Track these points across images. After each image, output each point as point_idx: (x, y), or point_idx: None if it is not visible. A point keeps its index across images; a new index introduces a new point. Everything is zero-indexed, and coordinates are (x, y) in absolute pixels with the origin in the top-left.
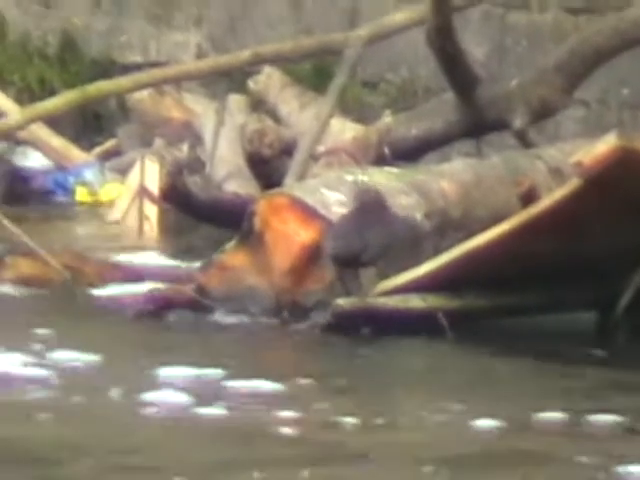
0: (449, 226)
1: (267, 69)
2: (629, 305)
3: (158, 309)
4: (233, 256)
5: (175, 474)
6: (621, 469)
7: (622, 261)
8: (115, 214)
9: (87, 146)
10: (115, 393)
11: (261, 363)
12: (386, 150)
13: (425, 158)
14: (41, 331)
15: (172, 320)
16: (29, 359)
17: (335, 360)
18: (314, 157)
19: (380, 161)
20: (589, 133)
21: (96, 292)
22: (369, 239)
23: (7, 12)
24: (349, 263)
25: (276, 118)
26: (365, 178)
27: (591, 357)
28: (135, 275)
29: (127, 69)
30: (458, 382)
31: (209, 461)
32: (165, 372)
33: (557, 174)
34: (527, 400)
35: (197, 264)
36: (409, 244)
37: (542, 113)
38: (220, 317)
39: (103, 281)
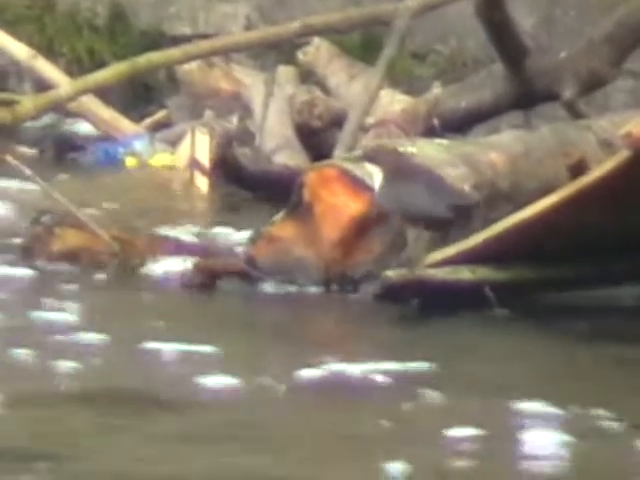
0: (498, 198)
1: (316, 40)
2: None
3: (207, 281)
4: (282, 228)
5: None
6: None
7: None
8: (162, 185)
9: (136, 117)
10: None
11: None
12: (435, 122)
13: (474, 130)
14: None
15: (221, 292)
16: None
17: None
18: (363, 129)
19: (429, 133)
20: (638, 104)
21: (146, 264)
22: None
23: None
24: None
25: (325, 89)
26: (414, 150)
27: None
28: (184, 248)
29: (176, 41)
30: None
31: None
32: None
33: (606, 146)
34: None
35: (246, 236)
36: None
37: (591, 84)
38: (269, 288)
39: (153, 254)
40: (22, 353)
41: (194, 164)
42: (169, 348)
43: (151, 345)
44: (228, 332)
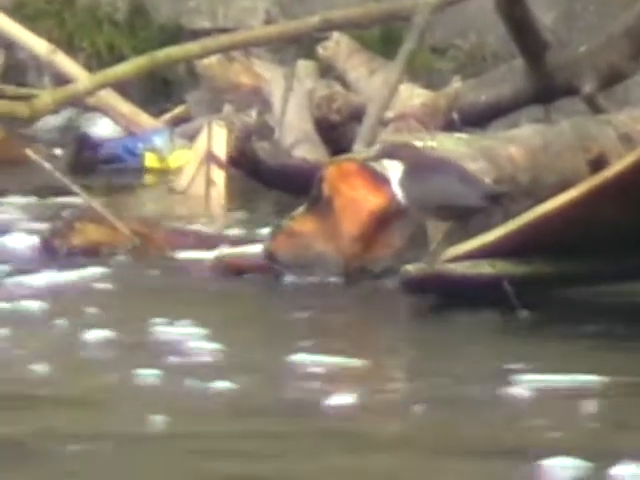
0: (518, 192)
1: (336, 35)
2: None
3: (227, 275)
4: (302, 222)
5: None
6: None
7: None
8: (182, 180)
9: (156, 112)
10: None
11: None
12: (455, 116)
13: (494, 124)
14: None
15: (241, 285)
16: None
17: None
18: (383, 123)
19: (449, 127)
20: None
21: (165, 258)
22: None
23: None
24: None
25: (345, 84)
26: (434, 144)
27: None
28: (203, 242)
29: (196, 35)
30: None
31: None
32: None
33: (626, 140)
34: None
35: (265, 230)
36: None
37: (611, 79)
38: (289, 282)
39: (172, 248)
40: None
41: (211, 158)
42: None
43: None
44: None
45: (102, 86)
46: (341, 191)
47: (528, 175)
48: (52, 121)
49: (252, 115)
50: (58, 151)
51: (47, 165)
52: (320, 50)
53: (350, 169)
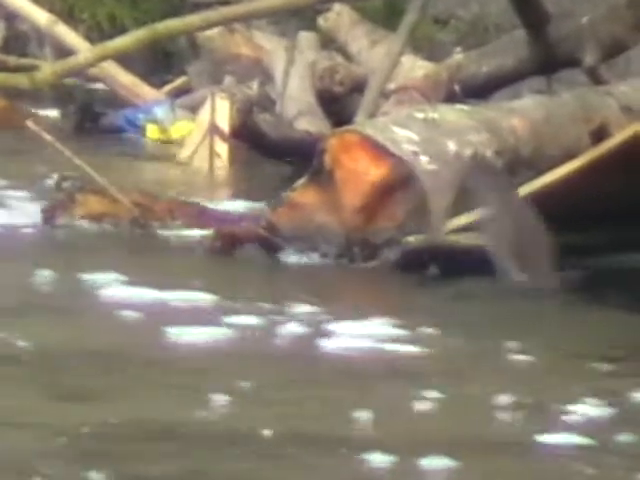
0: (520, 163)
1: (337, 6)
2: None
3: (227, 247)
4: (303, 194)
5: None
6: None
7: None
8: (185, 152)
9: (157, 83)
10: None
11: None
12: (457, 87)
13: (496, 95)
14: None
15: (241, 258)
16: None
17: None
18: (385, 95)
19: (451, 98)
20: None
21: (165, 230)
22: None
23: None
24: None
25: (346, 55)
26: (436, 115)
27: None
28: (205, 213)
29: (197, 7)
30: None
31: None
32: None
33: (628, 111)
34: None
35: (267, 202)
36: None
37: (613, 50)
38: (289, 255)
39: (172, 219)
40: None
41: (214, 130)
42: None
43: None
44: None
45: (103, 58)
46: (343, 163)
47: (530, 147)
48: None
49: (253, 87)
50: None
51: (48, 137)
52: (321, 22)
53: (352, 141)
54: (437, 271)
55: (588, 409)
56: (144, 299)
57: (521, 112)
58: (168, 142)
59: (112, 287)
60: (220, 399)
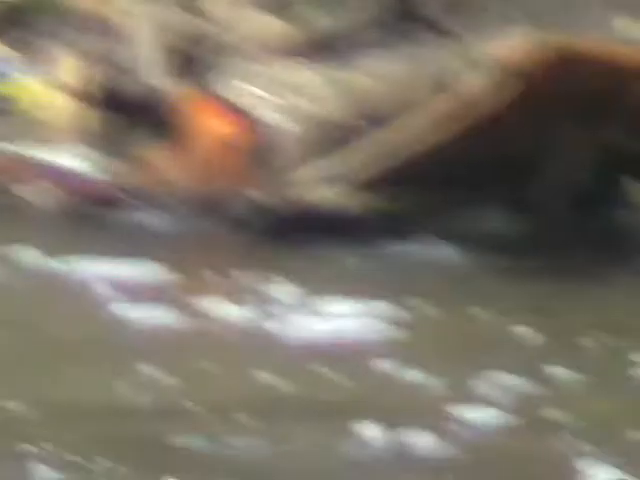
0: (374, 122)
1: None
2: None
3: (79, 206)
4: (154, 152)
5: None
6: None
7: (546, 160)
8: (32, 108)
9: (6, 41)
10: None
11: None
12: (311, 46)
13: (350, 54)
14: None
15: (90, 217)
16: None
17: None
18: (238, 54)
19: (304, 57)
20: (510, 27)
21: (12, 189)
22: None
23: None
24: None
25: (201, 14)
26: (289, 73)
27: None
28: (53, 172)
29: None
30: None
31: None
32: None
33: (478, 68)
34: None
35: (118, 160)
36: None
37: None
38: (142, 213)
39: (19, 178)
40: None
41: (63, 87)
42: None
43: None
44: None
45: None
46: (193, 121)
47: (384, 105)
48: None
49: (104, 44)
50: None
51: None
52: None
53: (203, 98)
54: (287, 227)
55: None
56: None
57: (375, 71)
58: (16, 99)
59: None
60: None
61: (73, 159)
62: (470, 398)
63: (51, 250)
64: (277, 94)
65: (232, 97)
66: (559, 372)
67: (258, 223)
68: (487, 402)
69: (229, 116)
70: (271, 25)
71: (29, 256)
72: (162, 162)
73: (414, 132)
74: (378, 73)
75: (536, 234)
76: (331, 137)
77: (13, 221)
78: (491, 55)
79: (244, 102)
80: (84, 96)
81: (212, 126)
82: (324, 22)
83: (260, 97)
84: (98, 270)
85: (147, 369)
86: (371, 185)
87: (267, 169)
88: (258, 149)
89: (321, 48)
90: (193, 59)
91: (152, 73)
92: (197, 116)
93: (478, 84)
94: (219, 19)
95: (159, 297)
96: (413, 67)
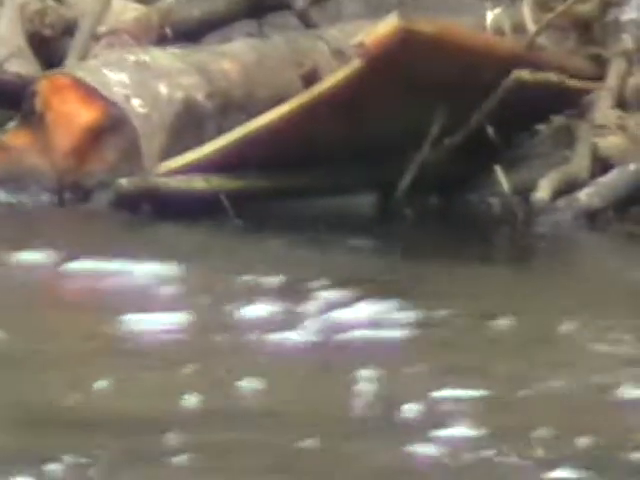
0: (231, 107)
1: None
2: (411, 188)
3: None
4: (14, 136)
5: None
6: None
7: (404, 143)
8: None
9: None
10: None
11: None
12: (168, 31)
13: (207, 39)
14: None
15: None
16: None
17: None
18: (95, 37)
19: (162, 42)
20: (370, 14)
21: None
22: None
23: None
24: None
25: None
26: (147, 58)
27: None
28: None
29: None
30: None
31: None
32: None
33: (339, 55)
34: None
35: None
36: (191, 124)
37: None
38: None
39: None
40: None
41: None
42: None
43: None
44: None
45: None
46: (53, 105)
47: (242, 90)
48: None
49: None
50: None
51: None
52: None
53: (63, 83)
54: (149, 213)
55: None
56: None
57: (232, 55)
58: None
59: None
60: None
61: None
62: None
63: None
64: (137, 78)
65: (92, 81)
66: None
67: (114, 203)
68: None
69: (90, 101)
70: (129, 8)
71: None
72: (23, 146)
73: (274, 115)
74: (240, 58)
75: (393, 217)
76: (191, 121)
77: None
78: (355, 45)
79: (105, 86)
80: None
81: (73, 111)
82: (186, 8)
83: (120, 81)
84: None
85: None
86: (226, 168)
87: (126, 155)
88: (119, 134)
89: (182, 33)
90: (53, 44)
91: (11, 58)
92: (57, 100)
93: (342, 73)
94: (75, 3)
95: None
96: (277, 54)
